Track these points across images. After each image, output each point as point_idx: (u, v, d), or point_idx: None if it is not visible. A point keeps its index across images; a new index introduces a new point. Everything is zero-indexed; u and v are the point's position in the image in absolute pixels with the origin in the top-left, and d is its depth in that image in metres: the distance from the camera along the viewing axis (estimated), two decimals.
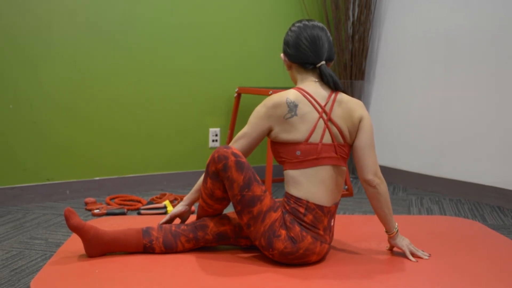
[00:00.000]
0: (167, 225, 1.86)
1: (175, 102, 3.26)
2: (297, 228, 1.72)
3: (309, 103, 1.76)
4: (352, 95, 3.69)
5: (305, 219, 1.72)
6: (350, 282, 1.61)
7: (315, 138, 1.75)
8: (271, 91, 2.85)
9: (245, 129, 1.80)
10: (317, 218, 1.73)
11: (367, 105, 3.80)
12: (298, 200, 1.73)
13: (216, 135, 3.42)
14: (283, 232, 1.71)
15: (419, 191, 3.38)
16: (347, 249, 1.94)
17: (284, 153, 1.76)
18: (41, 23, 2.81)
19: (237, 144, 1.80)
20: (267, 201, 1.72)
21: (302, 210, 1.72)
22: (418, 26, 3.42)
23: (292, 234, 1.71)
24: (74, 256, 1.80)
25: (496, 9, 2.99)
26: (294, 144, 1.74)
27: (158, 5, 3.13)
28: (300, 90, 1.78)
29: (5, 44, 2.73)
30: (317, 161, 1.74)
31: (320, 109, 1.76)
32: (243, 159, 1.73)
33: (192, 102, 3.32)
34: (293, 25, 1.86)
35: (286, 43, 1.86)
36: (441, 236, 2.14)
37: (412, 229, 2.22)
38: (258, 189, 1.72)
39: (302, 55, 1.82)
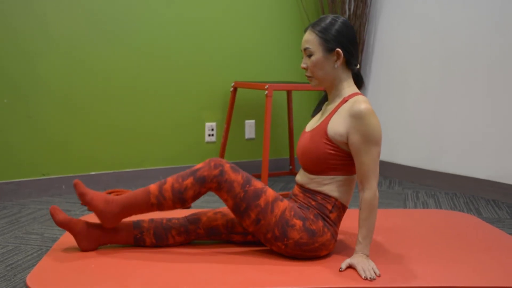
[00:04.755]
0: (158, 218, 1.86)
1: (171, 97, 3.25)
2: (321, 223, 1.73)
3: None
4: None
5: (331, 215, 1.74)
6: (349, 273, 1.62)
7: None
8: (267, 85, 2.85)
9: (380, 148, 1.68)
10: (339, 217, 1.77)
11: None
12: (326, 197, 1.74)
13: (212, 129, 3.42)
14: (298, 222, 1.71)
15: (415, 185, 3.38)
16: (347, 241, 1.94)
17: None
18: (38, 16, 2.79)
19: None
20: (270, 192, 1.74)
21: (329, 207, 1.74)
22: (415, 20, 3.42)
23: (314, 227, 1.71)
24: (70, 251, 1.80)
25: (492, 1, 2.99)
26: None
27: None
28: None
29: (1, 38, 2.72)
30: None
31: None
32: (236, 167, 1.77)
33: (188, 97, 3.31)
34: (340, 17, 1.73)
35: (346, 37, 1.70)
36: (437, 229, 2.15)
37: (408, 223, 2.23)
38: (258, 184, 1.75)
39: (357, 54, 1.74)
